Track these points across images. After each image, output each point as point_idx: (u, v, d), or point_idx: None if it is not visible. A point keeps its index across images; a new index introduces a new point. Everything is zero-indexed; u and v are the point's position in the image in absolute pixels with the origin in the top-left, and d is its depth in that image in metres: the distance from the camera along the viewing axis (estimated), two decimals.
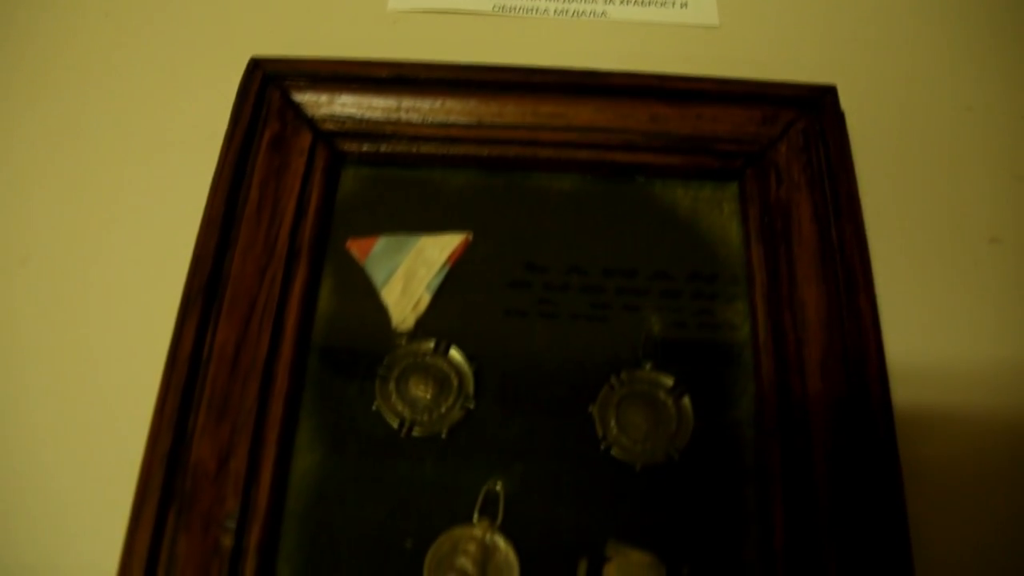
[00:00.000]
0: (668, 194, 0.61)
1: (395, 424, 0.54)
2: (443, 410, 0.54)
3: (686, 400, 0.55)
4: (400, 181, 0.61)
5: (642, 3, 0.73)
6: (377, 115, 0.61)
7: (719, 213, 0.61)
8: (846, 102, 0.62)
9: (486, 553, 0.51)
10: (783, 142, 0.61)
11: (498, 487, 0.52)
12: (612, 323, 0.57)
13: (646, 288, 0.58)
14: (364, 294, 0.58)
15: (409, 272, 0.57)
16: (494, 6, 0.72)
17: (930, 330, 0.60)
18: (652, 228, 0.60)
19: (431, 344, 0.56)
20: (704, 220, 0.60)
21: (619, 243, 0.59)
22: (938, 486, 0.55)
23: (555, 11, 0.72)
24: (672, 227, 0.60)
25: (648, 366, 0.55)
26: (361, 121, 0.61)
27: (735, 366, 0.56)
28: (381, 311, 0.57)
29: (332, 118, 0.61)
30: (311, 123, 0.60)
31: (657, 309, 0.57)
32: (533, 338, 0.57)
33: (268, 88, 0.61)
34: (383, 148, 0.60)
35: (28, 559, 0.54)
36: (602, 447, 0.54)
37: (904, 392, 0.57)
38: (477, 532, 0.51)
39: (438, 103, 0.61)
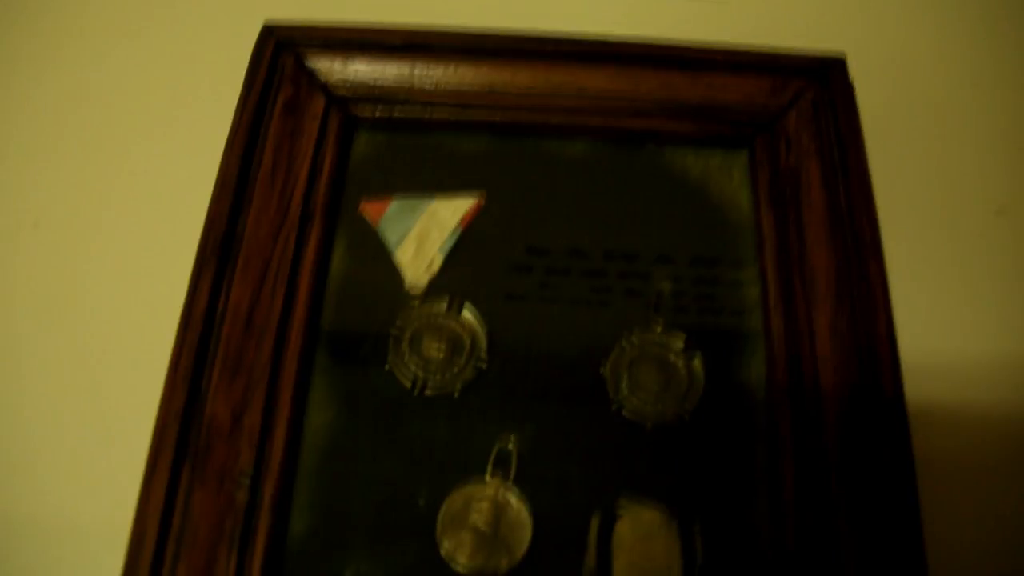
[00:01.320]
0: (679, 161, 0.61)
1: (408, 383, 0.53)
2: (456, 369, 0.54)
3: (696, 361, 0.54)
4: (413, 146, 0.60)
5: None
6: (390, 81, 0.60)
7: (729, 180, 0.60)
8: (855, 72, 0.61)
9: (499, 510, 0.51)
10: (792, 110, 0.60)
11: (510, 445, 0.52)
12: (615, 304, 0.56)
13: (661, 244, 0.58)
14: (377, 256, 0.57)
15: (422, 234, 0.57)
16: None
17: (937, 296, 0.60)
18: (663, 194, 0.59)
19: (444, 304, 0.55)
20: (714, 187, 0.60)
21: (630, 209, 0.59)
22: (945, 436, 0.55)
23: None
24: (683, 193, 0.60)
25: (659, 328, 0.55)
26: (374, 86, 0.60)
27: (745, 328, 0.56)
28: (394, 272, 0.57)
29: (345, 83, 0.60)
30: (324, 88, 0.60)
31: (668, 272, 0.57)
32: (546, 297, 0.56)
33: (281, 54, 0.60)
34: (396, 113, 0.60)
35: (44, 515, 0.53)
36: (613, 407, 0.53)
37: (912, 355, 0.56)
38: (490, 489, 0.51)
39: (451, 69, 0.60)
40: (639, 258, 0.57)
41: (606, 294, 0.56)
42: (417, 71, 0.60)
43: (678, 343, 0.55)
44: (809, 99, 0.60)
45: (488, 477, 0.51)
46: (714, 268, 0.57)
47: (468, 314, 0.55)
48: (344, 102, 0.60)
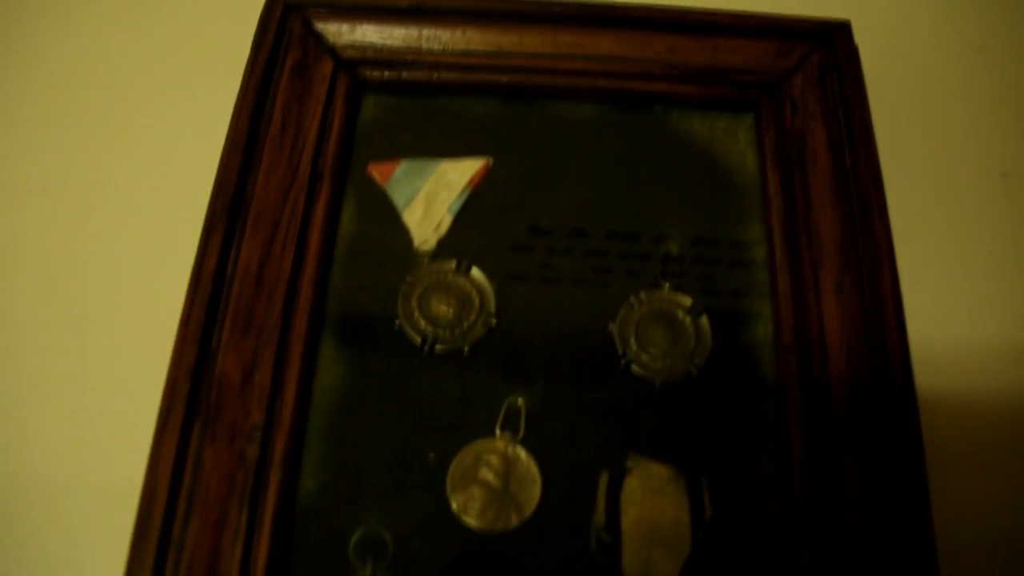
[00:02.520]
0: (685, 124, 0.60)
1: (417, 341, 0.53)
2: (465, 327, 0.53)
3: (704, 319, 0.54)
4: (420, 109, 0.60)
5: None
6: (398, 43, 0.60)
7: (735, 142, 0.60)
8: (860, 37, 0.61)
9: (508, 465, 0.50)
10: (798, 74, 0.60)
11: (519, 402, 0.52)
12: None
13: (667, 208, 0.57)
14: (386, 216, 0.57)
15: (431, 195, 0.56)
16: None
17: (942, 256, 0.59)
18: (669, 156, 0.59)
19: (452, 264, 0.55)
20: (720, 149, 0.59)
21: (637, 171, 0.58)
22: (949, 399, 0.54)
23: None
24: (689, 155, 0.59)
25: (666, 287, 0.55)
26: (382, 49, 0.59)
27: (751, 287, 0.55)
28: (403, 233, 0.56)
29: (353, 46, 0.59)
30: (332, 51, 0.59)
31: (675, 233, 0.57)
32: (554, 259, 0.56)
33: (289, 17, 0.60)
34: (404, 76, 0.59)
35: (54, 474, 0.53)
36: (622, 364, 0.53)
37: (917, 314, 0.56)
38: (499, 445, 0.51)
39: (458, 32, 0.60)
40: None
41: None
42: (425, 34, 0.60)
43: (686, 301, 0.54)
44: (815, 63, 0.60)
45: (497, 434, 0.51)
46: (720, 227, 0.57)
47: (477, 272, 0.54)
48: (352, 65, 0.59)
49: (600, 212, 0.57)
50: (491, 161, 0.58)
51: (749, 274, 0.56)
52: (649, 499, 0.50)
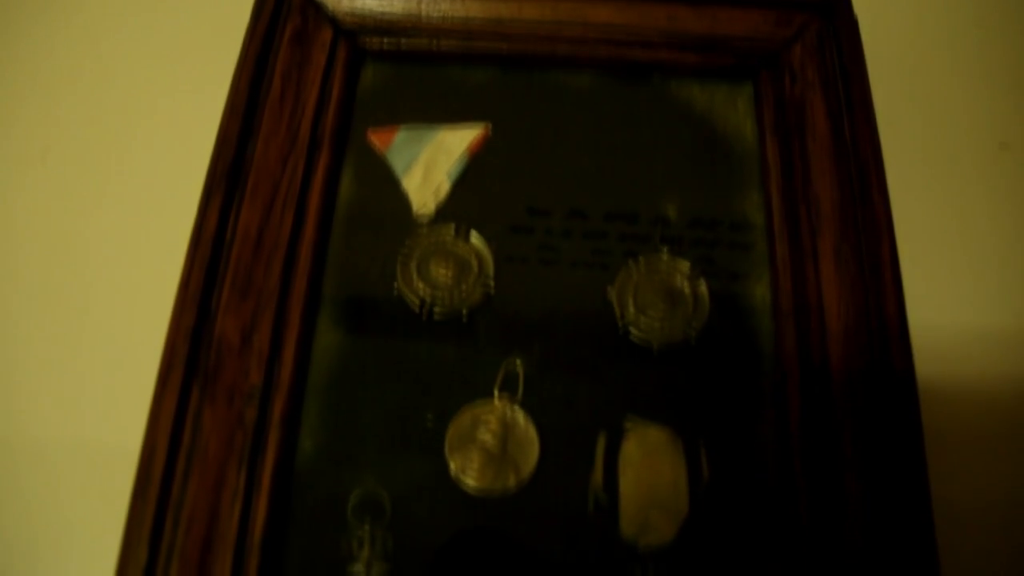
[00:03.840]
0: (684, 93, 0.60)
1: (416, 305, 0.52)
2: (463, 291, 0.53)
3: (702, 285, 0.53)
4: (420, 78, 0.59)
5: None
6: (397, 12, 0.59)
7: (734, 111, 0.59)
8: (859, 9, 0.60)
9: (506, 427, 0.50)
10: (797, 43, 0.59)
11: (518, 365, 0.51)
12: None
13: (665, 178, 0.57)
14: (385, 182, 0.56)
15: (430, 161, 0.56)
16: None
17: (941, 225, 0.59)
18: (668, 125, 0.58)
19: (451, 228, 0.54)
20: (719, 118, 0.59)
21: (636, 140, 0.58)
22: (948, 361, 0.54)
23: None
24: (688, 124, 0.58)
25: (665, 252, 0.54)
26: (381, 18, 0.59)
27: (750, 254, 0.55)
28: (402, 198, 0.56)
29: (353, 14, 0.59)
30: (332, 19, 0.59)
31: (674, 200, 0.56)
32: (555, 222, 0.56)
33: None
34: (403, 44, 0.59)
35: (54, 434, 0.53)
36: (620, 329, 0.52)
37: (916, 281, 0.55)
38: (498, 407, 0.50)
39: (458, 1, 0.59)
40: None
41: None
42: (424, 3, 0.59)
43: (684, 266, 0.54)
44: (814, 32, 0.59)
45: (496, 396, 0.50)
46: (719, 195, 0.56)
47: (476, 238, 0.54)
48: (352, 34, 0.59)
49: (599, 189, 0.57)
50: (490, 128, 0.57)
51: (748, 241, 0.55)
52: (647, 461, 0.49)
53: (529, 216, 0.56)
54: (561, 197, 0.56)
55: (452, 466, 0.49)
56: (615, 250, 0.55)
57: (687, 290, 0.53)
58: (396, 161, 0.56)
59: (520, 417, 0.50)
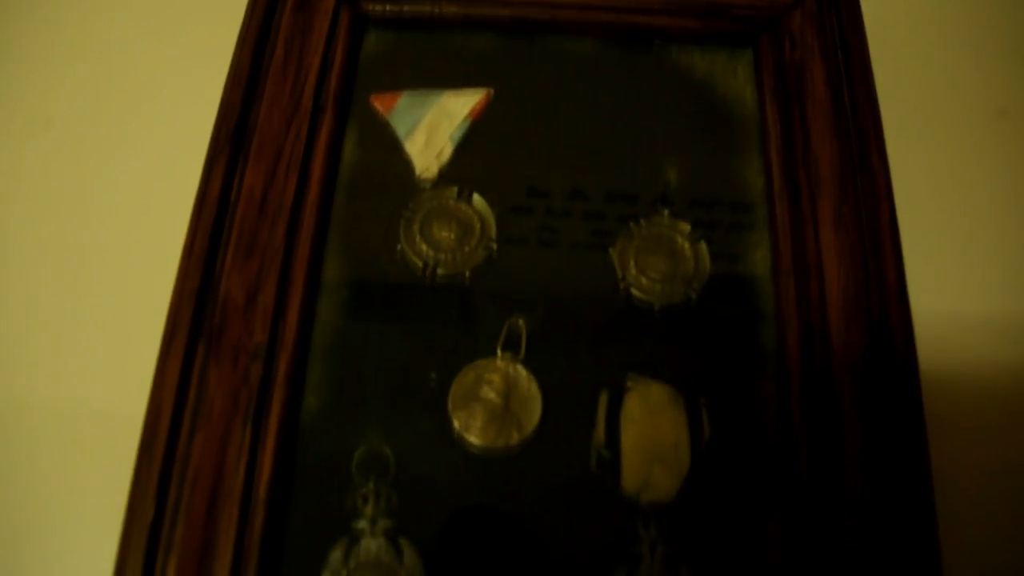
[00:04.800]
0: (684, 59, 0.59)
1: (419, 265, 0.53)
2: (466, 252, 0.53)
3: (702, 246, 0.53)
4: (421, 44, 0.59)
5: None
6: None
7: (734, 77, 0.59)
8: None
9: (509, 384, 0.50)
10: (797, 9, 0.59)
11: (520, 323, 0.51)
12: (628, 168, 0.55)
13: (665, 147, 0.57)
14: (388, 146, 0.56)
15: (432, 125, 0.56)
16: None
17: (939, 190, 0.59)
18: (669, 90, 0.58)
19: (454, 191, 0.55)
20: (719, 83, 0.59)
21: (636, 105, 0.58)
22: (945, 321, 0.54)
23: None
24: (688, 89, 0.58)
25: (666, 214, 0.54)
26: None
27: (750, 216, 0.55)
28: (405, 162, 0.55)
29: None
30: None
31: (674, 163, 0.56)
32: (556, 185, 0.56)
33: None
34: (405, 9, 0.59)
35: (58, 394, 0.53)
36: (622, 289, 0.52)
37: (910, 248, 0.56)
38: (500, 365, 0.50)
39: None
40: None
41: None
42: None
43: (684, 228, 0.54)
44: None
45: (499, 354, 0.50)
46: (719, 159, 0.56)
47: (479, 200, 0.54)
48: (354, 0, 0.59)
49: (599, 156, 0.56)
50: (492, 92, 0.57)
51: (747, 203, 0.55)
52: (648, 418, 0.49)
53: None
54: (562, 165, 0.56)
55: (455, 423, 0.49)
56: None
57: (688, 251, 0.53)
58: (399, 125, 0.56)
59: (523, 375, 0.50)
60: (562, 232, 0.55)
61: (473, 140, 0.56)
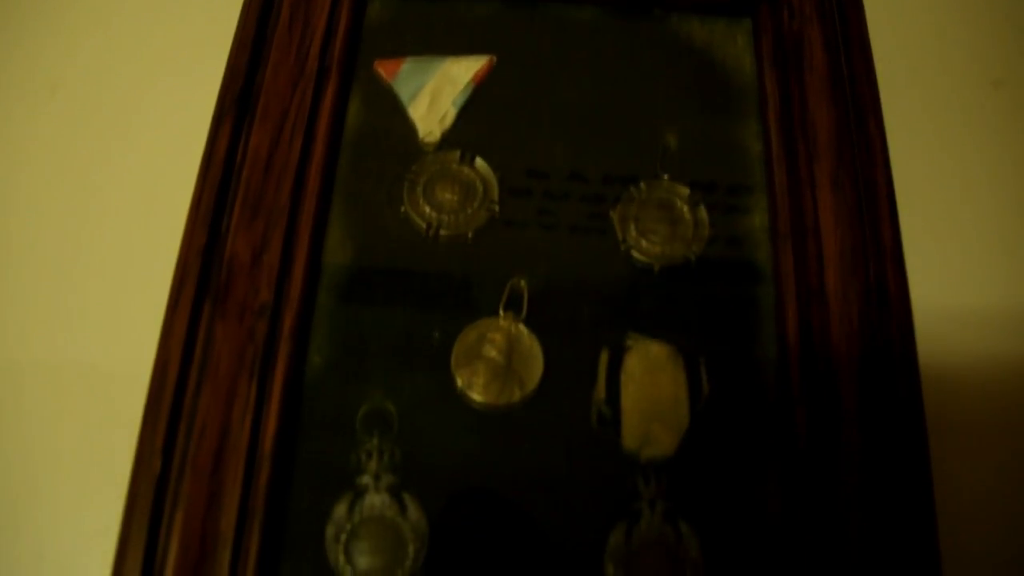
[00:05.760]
0: (684, 27, 0.60)
1: (422, 227, 0.53)
2: (469, 213, 0.53)
3: (702, 209, 0.54)
4: (425, 12, 0.59)
5: None
6: None
7: (733, 45, 0.59)
8: None
9: (511, 343, 0.50)
10: None
11: (522, 284, 0.52)
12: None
13: (667, 114, 0.57)
14: (391, 111, 0.56)
15: (435, 90, 0.56)
16: None
17: (934, 160, 0.59)
18: (668, 58, 0.59)
19: (457, 154, 0.55)
20: (718, 51, 0.59)
21: (636, 73, 0.58)
22: (940, 289, 0.55)
23: None
24: (687, 58, 0.59)
25: (665, 178, 0.55)
26: None
27: (748, 180, 0.55)
28: (408, 126, 0.56)
29: None
30: None
31: (674, 129, 0.56)
32: (556, 150, 0.56)
33: None
34: None
35: (65, 353, 0.53)
36: (622, 250, 0.53)
37: (910, 215, 0.56)
38: (503, 324, 0.51)
39: None
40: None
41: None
42: None
43: (684, 191, 0.54)
44: None
45: (501, 314, 0.51)
46: (718, 125, 0.57)
47: (481, 162, 0.54)
48: None
49: (599, 125, 0.57)
50: (494, 59, 0.57)
51: (746, 168, 0.55)
52: (648, 376, 0.50)
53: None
54: (562, 131, 0.56)
55: (458, 381, 0.49)
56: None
57: (687, 214, 0.54)
58: (402, 90, 0.56)
59: (524, 334, 0.50)
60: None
61: (476, 106, 0.56)
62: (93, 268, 0.55)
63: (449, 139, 0.56)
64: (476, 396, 0.49)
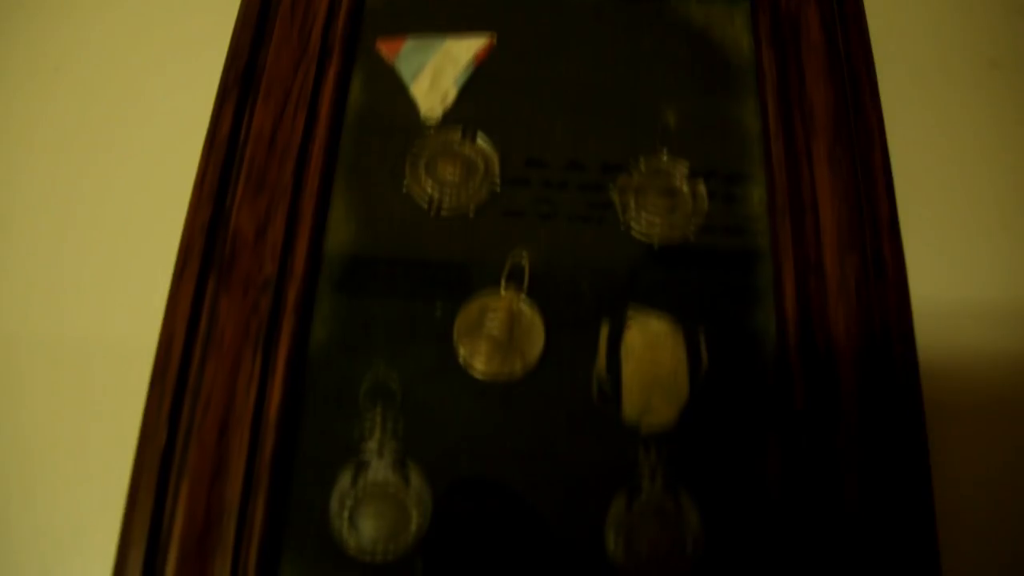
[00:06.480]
0: (683, 8, 0.60)
1: (424, 202, 0.53)
2: (470, 190, 0.53)
3: (700, 184, 0.54)
4: None
5: None
6: None
7: (731, 25, 0.59)
8: None
9: (512, 317, 0.50)
10: None
11: (524, 259, 0.52)
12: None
13: (669, 75, 0.58)
14: (393, 90, 0.56)
15: (437, 68, 0.56)
16: None
17: (930, 141, 0.60)
18: (667, 38, 0.59)
19: (458, 131, 0.55)
20: (717, 32, 0.59)
21: (636, 53, 0.58)
22: (934, 255, 0.55)
23: None
24: (686, 38, 0.59)
25: (665, 154, 0.55)
26: None
27: (746, 156, 0.55)
28: (410, 104, 0.56)
29: None
30: None
31: (673, 107, 0.57)
32: (557, 127, 0.56)
33: None
34: None
35: (73, 326, 0.53)
36: (622, 226, 0.53)
37: (906, 189, 0.56)
38: (504, 297, 0.51)
39: None
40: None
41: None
42: None
43: (683, 168, 0.55)
44: None
45: (502, 288, 0.51)
46: (716, 103, 0.57)
47: (483, 140, 0.55)
48: None
49: (598, 103, 0.57)
50: (495, 38, 0.58)
51: (744, 145, 0.56)
52: (648, 349, 0.50)
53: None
54: (562, 111, 0.57)
55: (460, 353, 0.50)
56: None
57: (686, 190, 0.54)
58: (404, 69, 0.56)
59: (526, 307, 0.51)
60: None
61: (477, 84, 0.57)
62: (98, 245, 0.55)
63: (451, 116, 0.56)
64: (478, 367, 0.49)
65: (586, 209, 0.54)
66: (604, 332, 0.50)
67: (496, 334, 0.50)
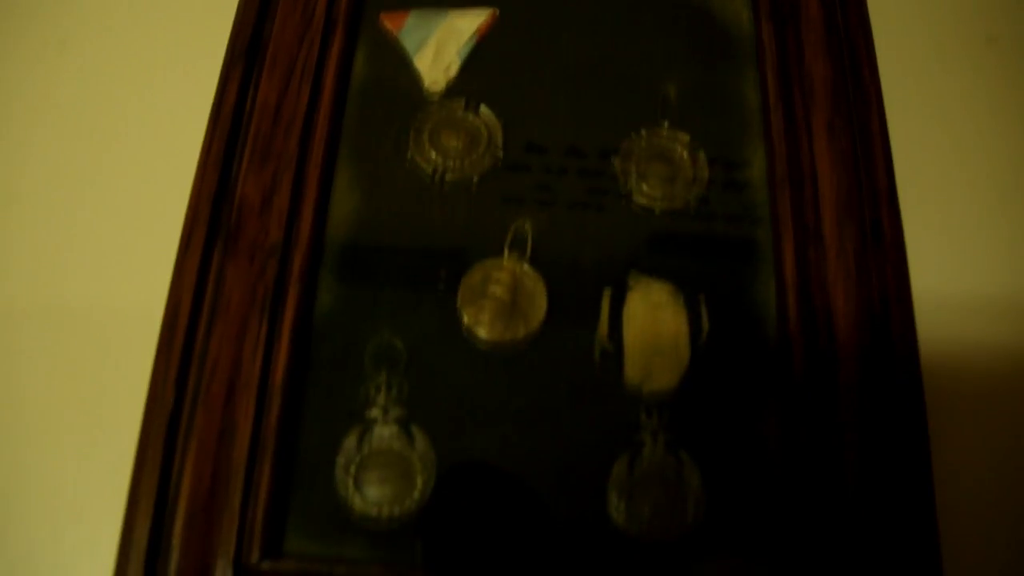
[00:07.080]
0: None
1: (428, 171, 0.54)
2: (474, 158, 0.54)
3: (701, 154, 0.55)
4: None
5: None
6: None
7: (730, 2, 0.61)
8: None
9: (516, 281, 0.51)
10: None
11: (526, 225, 0.53)
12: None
13: (668, 51, 0.58)
14: (397, 62, 0.57)
15: (440, 41, 0.57)
16: None
17: (928, 117, 0.60)
18: (667, 13, 0.60)
19: (462, 102, 0.56)
20: (716, 5, 0.60)
21: (637, 26, 0.59)
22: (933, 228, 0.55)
23: None
24: (686, 13, 0.60)
25: (665, 125, 0.56)
26: None
27: (746, 127, 0.56)
28: (414, 76, 0.56)
29: None
30: None
31: (673, 80, 0.57)
32: (559, 99, 0.57)
33: None
34: None
35: (81, 295, 0.54)
36: (624, 194, 0.54)
37: (903, 168, 0.57)
38: (507, 264, 0.51)
39: None
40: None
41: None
42: None
43: (684, 138, 0.55)
44: None
45: (506, 254, 0.52)
46: (715, 76, 0.58)
47: (486, 110, 0.55)
48: None
49: (599, 84, 0.57)
50: (497, 12, 0.58)
51: (744, 116, 0.56)
52: (650, 313, 0.51)
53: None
54: (564, 83, 0.57)
55: (464, 318, 0.50)
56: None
57: (687, 159, 0.54)
58: (408, 42, 0.57)
59: (529, 274, 0.51)
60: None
61: (479, 57, 0.57)
62: (106, 214, 0.56)
63: (454, 88, 0.56)
64: (482, 333, 0.50)
65: (590, 179, 0.55)
66: (606, 299, 0.51)
67: (499, 300, 0.50)
